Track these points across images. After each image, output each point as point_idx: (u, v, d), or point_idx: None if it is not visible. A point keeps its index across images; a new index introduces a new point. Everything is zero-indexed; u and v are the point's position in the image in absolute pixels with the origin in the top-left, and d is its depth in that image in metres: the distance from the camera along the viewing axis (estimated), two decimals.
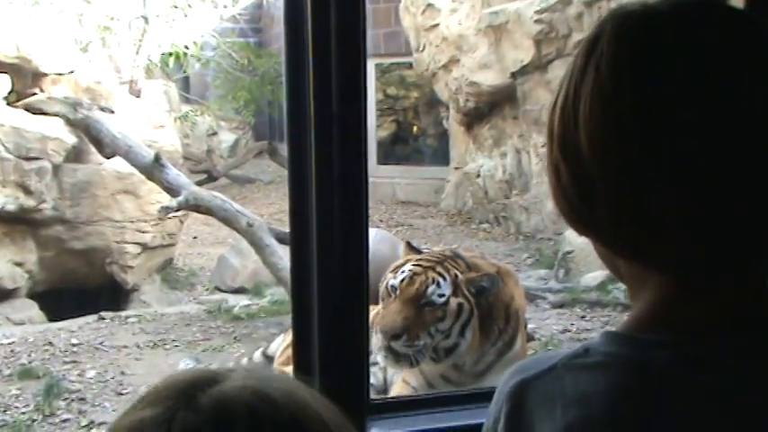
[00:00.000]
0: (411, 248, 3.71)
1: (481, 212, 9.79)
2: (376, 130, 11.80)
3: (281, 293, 5.90)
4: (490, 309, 3.41)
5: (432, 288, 3.31)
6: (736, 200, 0.71)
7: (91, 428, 3.75)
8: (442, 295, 3.31)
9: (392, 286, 3.36)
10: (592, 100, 0.74)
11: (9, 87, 6.66)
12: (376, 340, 3.32)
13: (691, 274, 0.76)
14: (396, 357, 3.31)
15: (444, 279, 3.34)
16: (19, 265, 6.72)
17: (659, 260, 0.76)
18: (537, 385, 0.78)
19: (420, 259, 3.49)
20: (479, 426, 0.89)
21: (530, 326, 4.66)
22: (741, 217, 0.72)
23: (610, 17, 0.77)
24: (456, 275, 3.37)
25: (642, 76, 0.72)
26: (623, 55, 0.73)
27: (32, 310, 6.64)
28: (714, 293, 0.76)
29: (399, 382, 3.52)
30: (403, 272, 3.38)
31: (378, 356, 3.37)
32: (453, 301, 3.33)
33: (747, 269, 0.76)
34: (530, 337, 4.32)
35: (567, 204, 0.79)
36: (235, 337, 5.25)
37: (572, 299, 5.68)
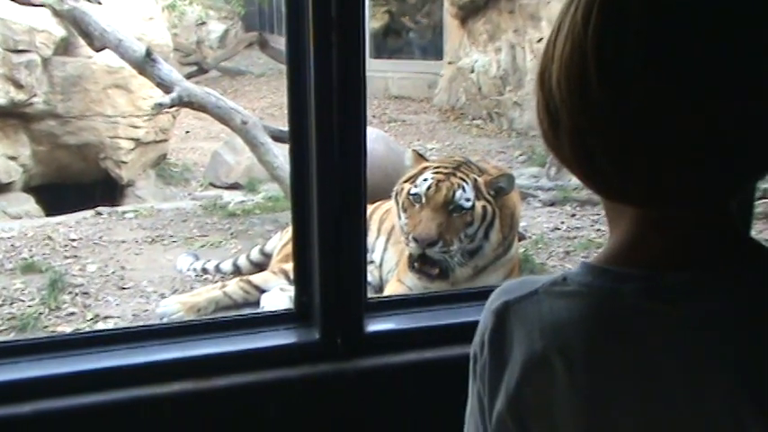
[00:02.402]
0: (419, 156, 3.76)
1: (474, 108, 9.74)
2: (368, 21, 11.57)
3: (276, 189, 5.95)
4: (500, 216, 3.51)
5: (459, 193, 3.39)
6: (698, 140, 0.74)
7: (96, 321, 3.85)
8: (469, 199, 3.40)
9: (416, 195, 3.43)
10: (566, 39, 0.77)
11: None
12: (409, 248, 3.41)
13: (655, 208, 0.80)
14: (430, 277, 3.41)
15: (467, 183, 3.42)
16: (13, 159, 6.74)
17: (618, 193, 0.81)
18: (518, 307, 0.85)
19: (438, 167, 3.55)
20: (471, 323, 0.95)
21: (521, 224, 4.74)
22: (704, 156, 0.74)
23: None
24: (475, 179, 3.45)
25: (607, 20, 0.74)
26: (596, 1, 0.75)
27: (29, 203, 6.70)
28: (678, 227, 0.80)
29: (393, 281, 3.63)
30: (426, 180, 3.45)
31: (407, 278, 3.47)
32: (478, 205, 3.42)
33: (711, 203, 0.80)
34: (521, 237, 4.42)
35: (541, 130, 0.83)
36: (231, 234, 5.32)
37: (563, 197, 5.74)
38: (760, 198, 4.99)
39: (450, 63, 10.38)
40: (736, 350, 0.77)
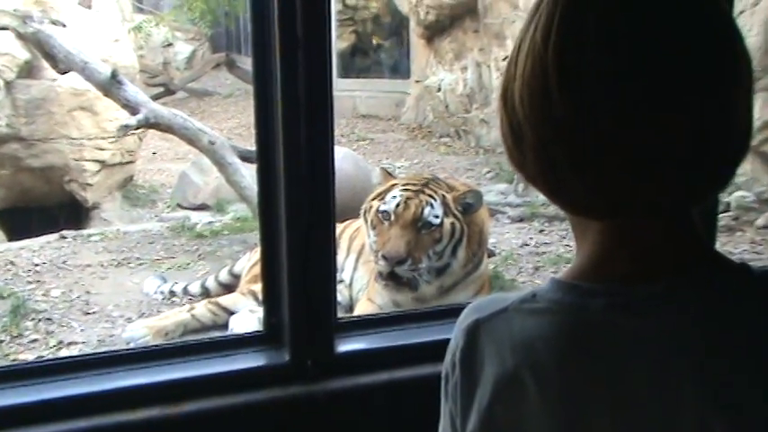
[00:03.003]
0: (388, 174, 3.76)
1: (442, 126, 9.80)
2: (335, 41, 11.60)
3: (244, 210, 5.91)
4: (468, 233, 3.51)
5: (427, 210, 3.39)
6: (661, 152, 0.75)
7: (60, 348, 3.77)
8: (437, 216, 3.40)
9: (384, 212, 3.42)
10: (527, 56, 0.79)
11: None
12: (378, 266, 3.39)
13: (620, 221, 0.81)
14: (397, 285, 3.38)
15: (435, 200, 3.42)
16: None
17: (583, 207, 0.81)
18: (489, 326, 0.84)
19: (406, 184, 3.55)
20: (442, 341, 0.94)
21: (490, 240, 4.76)
22: (668, 168, 0.76)
23: None
24: (444, 196, 3.45)
25: (567, 37, 0.76)
26: (555, 17, 0.77)
27: None
28: (644, 240, 0.81)
29: (363, 300, 3.61)
30: (394, 197, 3.44)
31: (377, 296, 3.45)
32: (447, 222, 3.42)
33: (675, 214, 0.81)
34: (490, 253, 4.43)
35: (506, 147, 0.84)
36: (199, 255, 5.26)
37: (531, 213, 5.78)
38: (723, 211, 5.08)
39: (417, 82, 10.45)
40: (706, 361, 0.77)
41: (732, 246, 4.85)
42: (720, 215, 4.69)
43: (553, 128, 0.77)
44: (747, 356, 0.77)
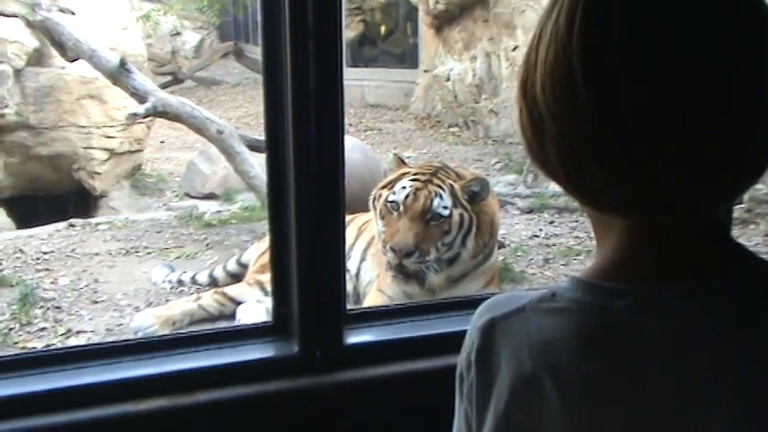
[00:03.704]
0: (401, 161, 3.74)
1: (450, 116, 9.77)
2: (344, 30, 11.54)
3: (252, 199, 5.91)
4: (478, 223, 3.49)
5: (437, 201, 3.37)
6: (683, 144, 0.72)
7: (69, 336, 3.78)
8: (446, 207, 3.38)
9: (393, 202, 3.40)
10: (549, 44, 0.76)
11: None
12: (386, 257, 3.38)
13: (643, 220, 0.78)
14: (406, 277, 3.37)
15: (444, 191, 3.40)
16: None
17: (606, 202, 0.78)
18: (505, 325, 0.82)
19: (416, 173, 3.53)
20: (452, 334, 0.93)
21: (499, 232, 4.74)
22: (690, 162, 0.73)
23: None
24: (452, 185, 3.43)
25: (591, 25, 0.73)
26: (579, 4, 0.74)
27: None
28: (667, 239, 0.79)
29: (374, 291, 3.60)
30: (404, 187, 3.42)
31: (387, 288, 3.44)
32: (455, 213, 3.40)
33: (700, 212, 0.78)
34: (500, 245, 4.41)
35: (524, 140, 0.81)
36: (207, 244, 5.26)
37: (541, 204, 5.75)
38: (736, 204, 5.04)
39: (425, 71, 10.41)
40: (728, 363, 0.76)
41: (745, 238, 4.82)
42: (734, 207, 4.66)
43: (576, 119, 0.74)
44: None
